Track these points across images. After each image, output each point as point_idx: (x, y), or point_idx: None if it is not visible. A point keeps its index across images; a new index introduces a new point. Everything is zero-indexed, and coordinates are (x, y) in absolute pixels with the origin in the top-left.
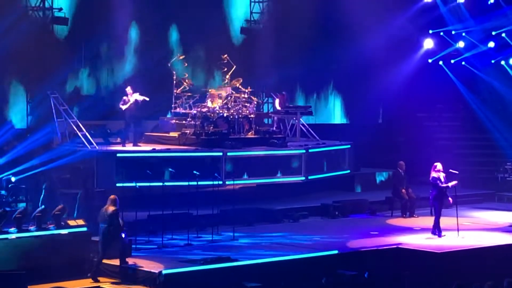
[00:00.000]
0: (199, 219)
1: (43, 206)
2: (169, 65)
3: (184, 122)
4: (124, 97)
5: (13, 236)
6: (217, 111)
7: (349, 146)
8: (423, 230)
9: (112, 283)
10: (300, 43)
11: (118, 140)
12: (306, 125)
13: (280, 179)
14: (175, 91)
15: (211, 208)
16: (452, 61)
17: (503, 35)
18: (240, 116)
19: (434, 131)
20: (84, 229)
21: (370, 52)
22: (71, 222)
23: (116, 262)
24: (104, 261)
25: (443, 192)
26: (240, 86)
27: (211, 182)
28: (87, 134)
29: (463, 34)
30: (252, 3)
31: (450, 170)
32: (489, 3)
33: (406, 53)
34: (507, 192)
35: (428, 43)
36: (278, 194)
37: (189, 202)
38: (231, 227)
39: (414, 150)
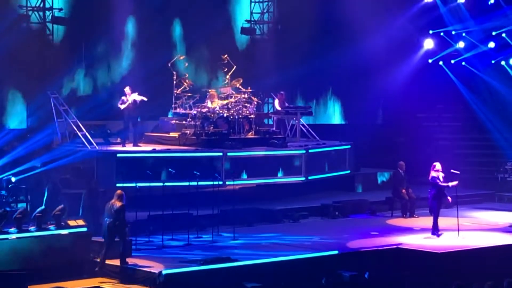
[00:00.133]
0: (199, 219)
1: (43, 206)
2: (169, 65)
3: (184, 122)
4: (123, 97)
5: (13, 236)
6: (217, 112)
7: (349, 146)
8: (423, 230)
9: (112, 283)
10: (301, 44)
11: (118, 140)
12: (306, 126)
13: (280, 179)
14: (175, 91)
15: (211, 208)
16: (452, 62)
17: (503, 35)
18: (240, 116)
19: (434, 131)
20: (84, 229)
21: (371, 52)
22: (71, 222)
23: (116, 262)
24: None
25: (441, 191)
26: (240, 87)
27: (211, 183)
28: (87, 134)
29: (463, 34)
30: (253, 3)
31: (452, 170)
32: (489, 3)
33: (406, 53)
34: (507, 192)
35: (428, 44)
36: (278, 195)
37: (189, 202)
38: (231, 227)
39: (414, 150)
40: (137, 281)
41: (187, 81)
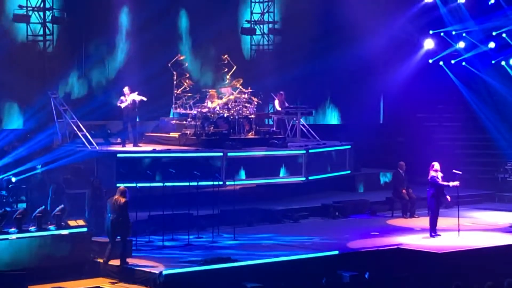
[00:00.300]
0: (199, 219)
1: (43, 207)
2: (169, 65)
3: (184, 122)
4: (122, 97)
5: (14, 236)
6: (218, 112)
7: (349, 146)
8: (423, 230)
9: (112, 283)
10: (301, 44)
11: (119, 140)
12: (306, 126)
13: (280, 179)
14: (175, 91)
15: (211, 208)
16: (453, 62)
17: (504, 35)
18: (241, 116)
19: (434, 131)
20: (84, 229)
21: (371, 52)
22: (71, 222)
23: (116, 262)
24: None
25: (440, 191)
26: (240, 87)
27: (211, 183)
28: (87, 134)
29: (464, 34)
30: (253, 3)
31: (454, 171)
32: (489, 3)
33: (407, 53)
34: (508, 192)
35: (429, 44)
36: (279, 195)
37: (189, 203)
38: (231, 227)
39: (414, 150)
40: (137, 281)
41: (187, 81)
